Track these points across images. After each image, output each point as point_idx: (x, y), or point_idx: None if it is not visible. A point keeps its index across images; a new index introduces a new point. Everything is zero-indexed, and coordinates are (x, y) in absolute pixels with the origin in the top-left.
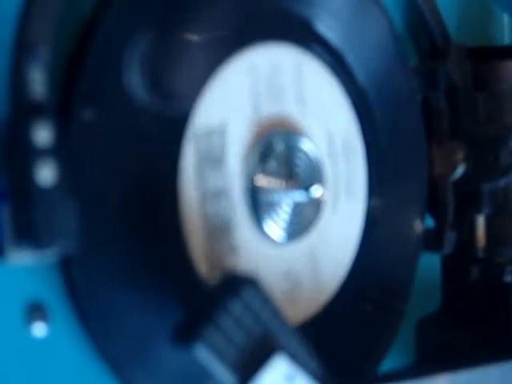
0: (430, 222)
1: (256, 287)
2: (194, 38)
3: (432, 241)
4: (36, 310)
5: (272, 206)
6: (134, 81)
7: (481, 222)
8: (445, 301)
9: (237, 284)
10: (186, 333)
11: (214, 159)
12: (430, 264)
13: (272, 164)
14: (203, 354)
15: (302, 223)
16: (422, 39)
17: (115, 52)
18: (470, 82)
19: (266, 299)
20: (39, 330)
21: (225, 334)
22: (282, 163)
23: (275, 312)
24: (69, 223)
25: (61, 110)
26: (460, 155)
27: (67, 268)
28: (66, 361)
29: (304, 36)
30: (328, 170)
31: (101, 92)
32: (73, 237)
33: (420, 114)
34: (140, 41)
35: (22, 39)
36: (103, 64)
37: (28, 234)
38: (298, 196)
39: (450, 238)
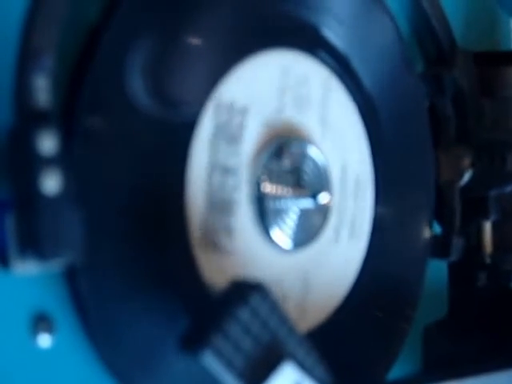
0: (437, 228)
1: (264, 293)
2: (198, 44)
3: (439, 247)
4: (41, 321)
5: (279, 213)
6: (137, 87)
7: (488, 228)
8: (452, 307)
9: (244, 290)
10: (194, 340)
11: (221, 166)
12: (437, 271)
13: (279, 171)
14: (211, 362)
15: (309, 230)
16: (429, 45)
17: (120, 59)
18: (476, 88)
19: (273, 306)
20: (44, 340)
21: (233, 341)
22: (290, 170)
23: (283, 318)
24: (74, 233)
25: (65, 118)
26: (467, 161)
27: (72, 278)
28: (72, 371)
29: (310, 42)
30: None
31: (106, 99)
32: (78, 247)
33: (426, 119)
34: (143, 48)
35: (26, 47)
36: (108, 71)
37: (32, 244)
38: (306, 203)
39: (457, 244)
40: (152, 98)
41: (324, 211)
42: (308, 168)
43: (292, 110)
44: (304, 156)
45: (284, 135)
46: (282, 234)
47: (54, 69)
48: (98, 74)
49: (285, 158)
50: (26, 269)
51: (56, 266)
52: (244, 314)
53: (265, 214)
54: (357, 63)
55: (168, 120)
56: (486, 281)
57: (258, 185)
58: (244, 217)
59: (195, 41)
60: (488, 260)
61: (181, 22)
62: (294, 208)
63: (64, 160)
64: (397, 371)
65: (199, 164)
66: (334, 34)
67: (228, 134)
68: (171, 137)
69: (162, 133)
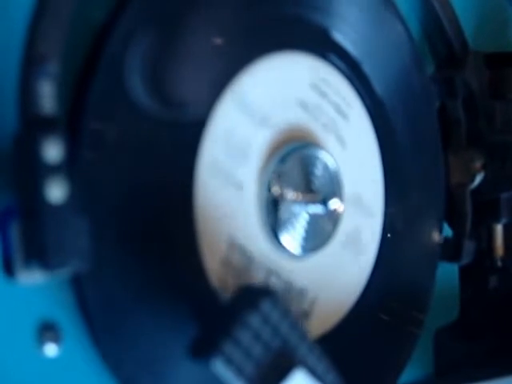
0: (448, 231)
1: (274, 299)
2: (203, 46)
3: (450, 251)
4: (47, 330)
5: (289, 219)
6: (142, 90)
7: (499, 231)
8: (463, 310)
9: (255, 296)
10: (204, 347)
11: (230, 170)
12: (447, 274)
13: (290, 176)
14: (221, 369)
15: (319, 236)
16: (440, 46)
17: (125, 63)
18: (487, 89)
19: (284, 311)
20: (51, 349)
21: (243, 347)
22: (300, 175)
23: (294, 324)
24: (80, 242)
25: (71, 124)
26: (478, 164)
27: (78, 287)
28: (79, 380)
29: (321, 45)
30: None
31: (112, 104)
32: (84, 256)
33: (437, 122)
34: (147, 51)
35: (30, 53)
36: (114, 76)
37: (38, 253)
38: (316, 209)
39: (468, 247)
40: (156, 99)
41: (334, 217)
42: (319, 173)
43: (304, 115)
44: (315, 161)
45: (294, 140)
46: (292, 240)
47: (59, 75)
48: (104, 78)
49: (295, 162)
50: (32, 278)
51: (62, 275)
52: (255, 320)
53: (275, 218)
54: (368, 66)
55: (175, 124)
56: (497, 283)
57: (268, 189)
58: (253, 222)
59: (200, 43)
60: (499, 263)
61: (186, 24)
62: (303, 213)
63: (69, 167)
64: (408, 375)
65: (208, 168)
66: (345, 37)
67: (239, 139)
68: (179, 142)
69: (169, 138)
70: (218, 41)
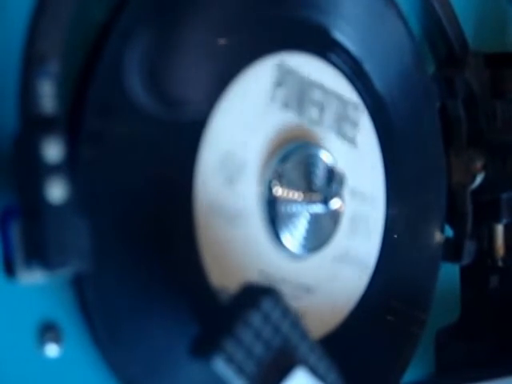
0: (449, 231)
1: (275, 298)
2: (204, 45)
3: (451, 251)
4: (48, 330)
5: (290, 218)
6: (142, 89)
7: (500, 231)
8: (464, 311)
9: (256, 295)
10: (205, 346)
11: (231, 169)
12: (449, 274)
13: (291, 175)
14: (222, 367)
15: (320, 235)
16: (440, 46)
17: (125, 62)
18: (487, 89)
19: (285, 310)
20: (52, 350)
21: (244, 346)
22: (301, 174)
23: (295, 323)
24: (80, 242)
25: (71, 124)
26: (478, 164)
27: (79, 287)
28: (80, 381)
29: (322, 44)
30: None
31: (113, 103)
32: (84, 256)
33: (438, 121)
34: (147, 49)
35: (31, 52)
36: (114, 75)
37: (38, 253)
38: (317, 208)
39: (469, 247)
40: (157, 99)
41: (335, 216)
42: (320, 172)
43: (307, 116)
44: (316, 160)
45: (295, 139)
46: (293, 239)
47: (60, 74)
48: (104, 78)
49: (296, 162)
50: (32, 278)
51: (62, 275)
52: (256, 318)
53: (276, 218)
54: (369, 65)
55: (176, 124)
56: (498, 284)
57: (269, 189)
58: (254, 221)
59: (200, 42)
60: (500, 263)
61: (185, 24)
62: (304, 213)
63: (70, 167)
64: (410, 375)
65: (209, 167)
66: (345, 36)
67: (241, 138)
68: (179, 142)
69: (170, 137)
70: (218, 40)
